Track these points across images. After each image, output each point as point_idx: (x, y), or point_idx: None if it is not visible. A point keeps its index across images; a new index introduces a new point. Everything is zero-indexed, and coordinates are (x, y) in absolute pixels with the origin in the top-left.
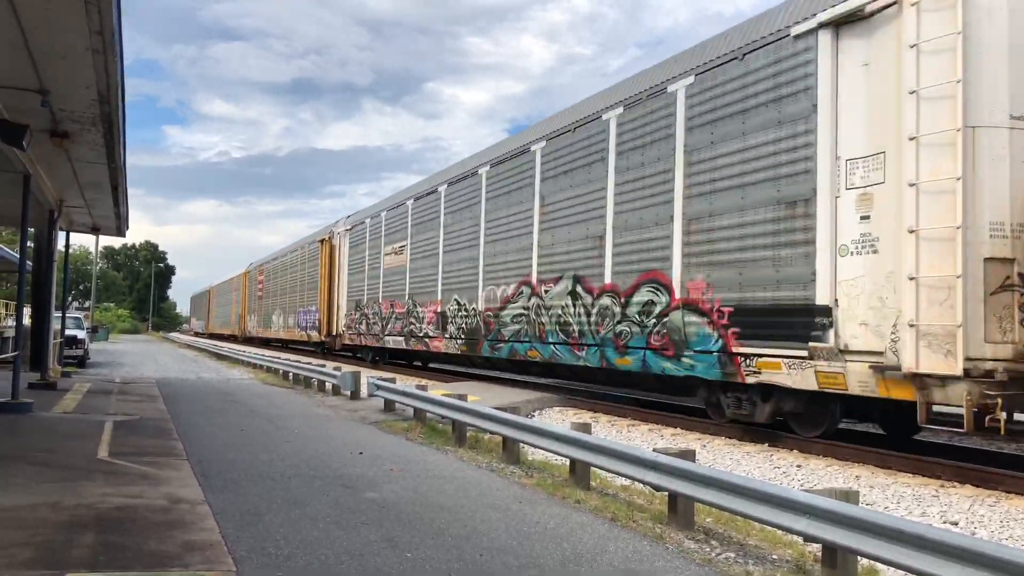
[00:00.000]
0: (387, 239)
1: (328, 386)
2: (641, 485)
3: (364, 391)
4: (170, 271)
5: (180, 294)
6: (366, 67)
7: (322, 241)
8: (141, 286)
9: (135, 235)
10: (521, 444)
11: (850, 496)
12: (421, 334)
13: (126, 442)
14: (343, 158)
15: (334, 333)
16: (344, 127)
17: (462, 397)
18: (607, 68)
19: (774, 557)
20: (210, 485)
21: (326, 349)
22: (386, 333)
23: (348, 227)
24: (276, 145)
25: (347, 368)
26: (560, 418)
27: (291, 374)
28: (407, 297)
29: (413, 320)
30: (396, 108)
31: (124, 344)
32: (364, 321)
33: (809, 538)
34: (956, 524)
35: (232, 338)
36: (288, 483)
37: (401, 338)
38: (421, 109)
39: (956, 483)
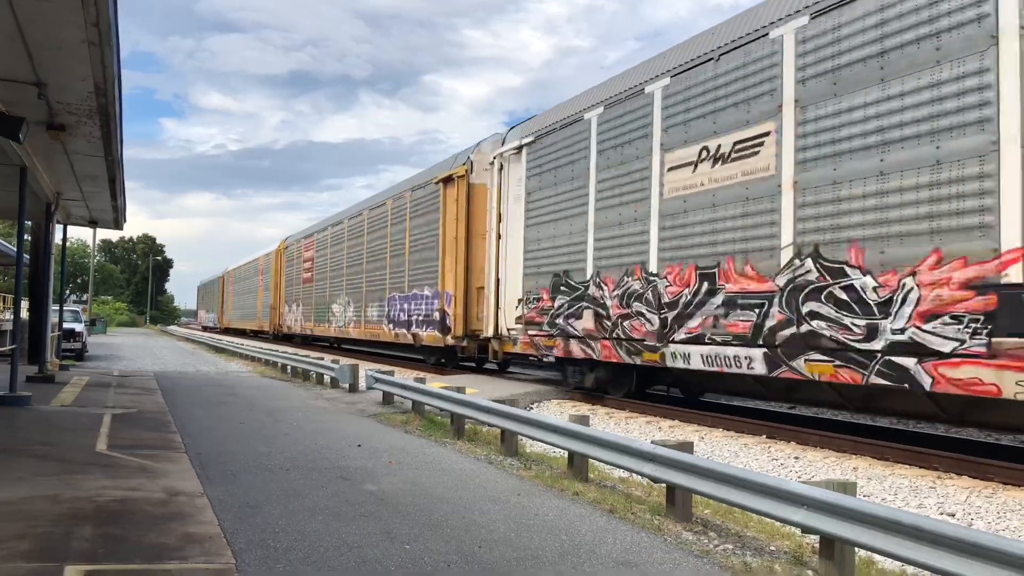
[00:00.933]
0: (674, 133)
1: (326, 379)
2: (639, 477)
3: (362, 384)
4: (168, 264)
5: (178, 287)
6: (364, 59)
7: (447, 180)
8: (139, 279)
9: (132, 228)
10: (519, 436)
11: (847, 487)
12: (939, 345)
13: (125, 435)
14: (340, 151)
15: (486, 333)
16: (342, 120)
17: (460, 390)
18: (605, 60)
19: (772, 548)
20: (208, 478)
21: (458, 355)
22: (673, 336)
23: (527, 139)
24: (273, 138)
25: (345, 361)
26: (558, 410)
27: (289, 367)
28: (801, 251)
29: (856, 304)
30: (394, 101)
31: (122, 337)
32: (590, 310)
33: (807, 529)
34: (953, 515)
35: (258, 335)
36: (287, 475)
37: (752, 353)
38: (419, 102)
39: (953, 474)
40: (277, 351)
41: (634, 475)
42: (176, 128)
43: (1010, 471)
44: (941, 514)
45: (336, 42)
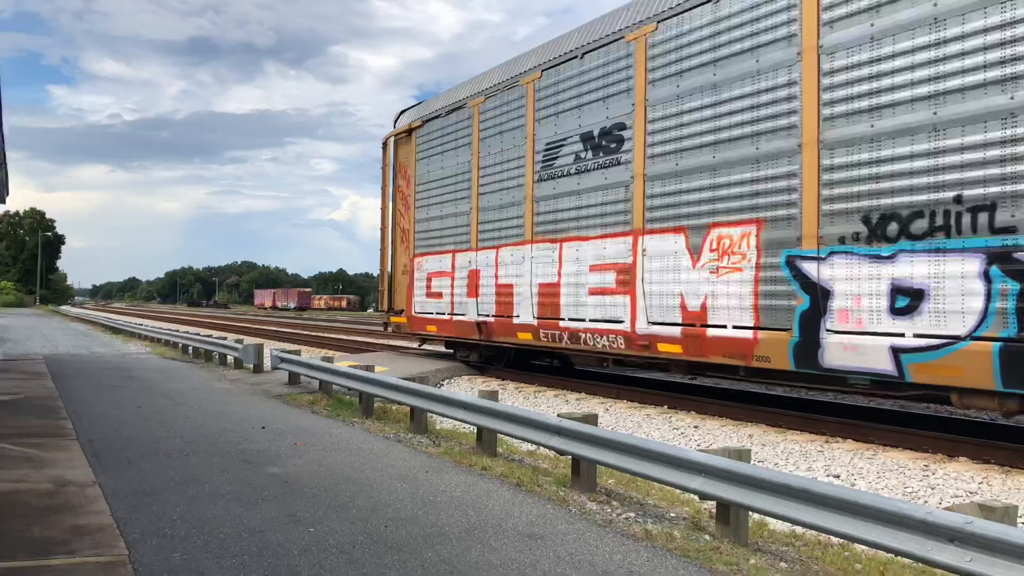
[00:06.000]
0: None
1: (230, 359)
2: (546, 450)
3: (267, 364)
4: (59, 240)
5: (72, 265)
6: (267, 27)
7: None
8: (27, 256)
9: (18, 202)
10: (429, 414)
11: (742, 454)
12: None
13: (8, 423)
14: (245, 122)
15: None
16: (245, 90)
17: (369, 368)
18: (515, 35)
19: (672, 515)
20: (102, 466)
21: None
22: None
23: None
24: (173, 108)
25: (249, 340)
26: (469, 387)
27: (191, 348)
28: None
29: None
30: (300, 71)
31: (8, 318)
32: (476, 291)
33: (704, 496)
34: (838, 476)
35: None
36: (186, 460)
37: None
38: (327, 73)
39: (839, 438)
40: (178, 331)
41: (542, 448)
42: (66, 95)
43: (889, 434)
44: (828, 476)
45: (237, 7)
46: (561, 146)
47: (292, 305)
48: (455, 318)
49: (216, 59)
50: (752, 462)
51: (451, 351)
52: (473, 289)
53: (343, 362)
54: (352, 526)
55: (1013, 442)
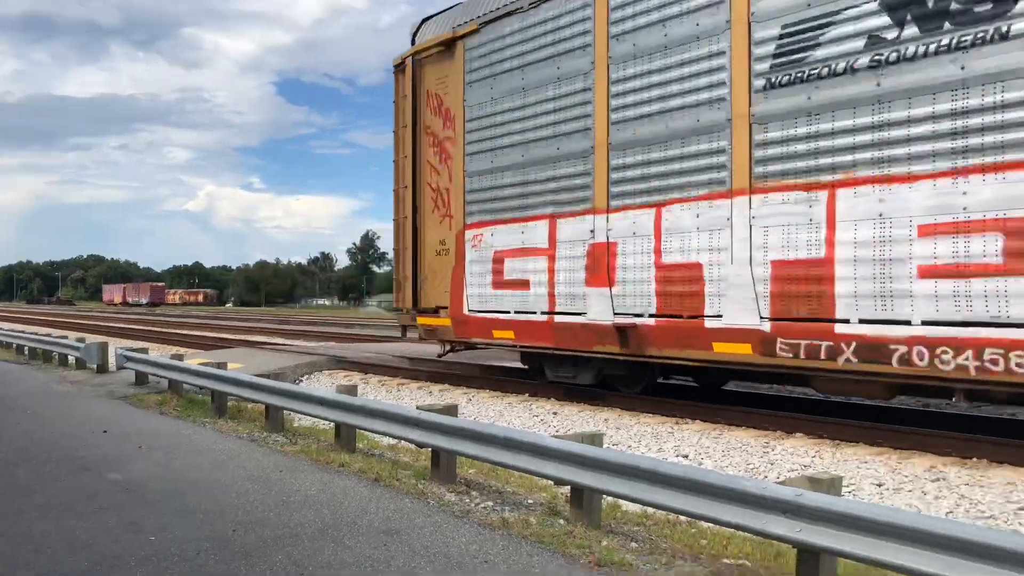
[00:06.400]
0: None
1: (71, 360)
2: (407, 443)
3: (113, 363)
4: None
5: None
6: (111, 5)
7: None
8: None
9: None
10: (285, 411)
11: (595, 439)
12: None
13: None
14: (88, 107)
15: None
16: (88, 72)
17: (221, 365)
18: (379, 23)
19: (529, 502)
20: None
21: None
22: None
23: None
24: (5, 89)
25: (92, 339)
26: (329, 381)
27: (27, 348)
28: None
29: None
30: (150, 53)
31: None
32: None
33: (560, 481)
34: (687, 456)
35: None
36: (14, 471)
37: None
38: (179, 56)
39: (689, 419)
40: (12, 331)
41: (402, 441)
42: None
43: (735, 414)
44: (677, 456)
45: None
46: (826, 26)
47: (144, 300)
48: (558, 319)
49: (54, 38)
50: (606, 445)
51: (525, 367)
52: (601, 274)
53: (195, 359)
54: (198, 531)
55: (843, 418)
